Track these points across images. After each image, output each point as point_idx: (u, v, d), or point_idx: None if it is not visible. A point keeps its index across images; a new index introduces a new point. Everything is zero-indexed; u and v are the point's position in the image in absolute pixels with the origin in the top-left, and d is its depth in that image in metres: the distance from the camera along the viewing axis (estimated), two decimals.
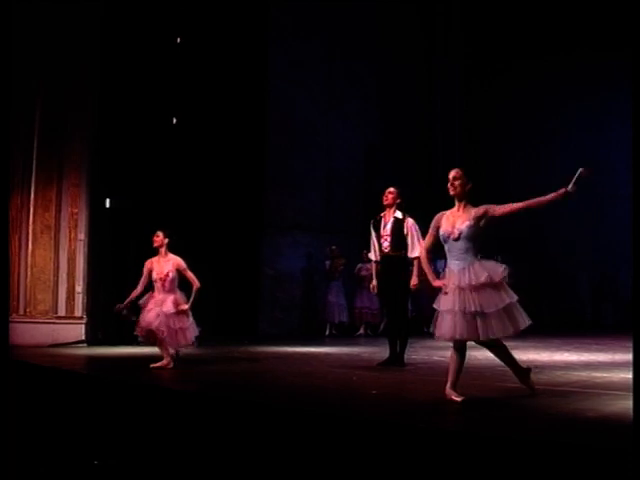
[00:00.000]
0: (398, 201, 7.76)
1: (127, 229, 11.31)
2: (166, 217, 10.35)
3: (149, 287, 7.80)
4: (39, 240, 10.71)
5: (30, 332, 10.22)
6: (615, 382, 6.29)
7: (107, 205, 11.50)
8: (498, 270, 5.07)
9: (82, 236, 10.82)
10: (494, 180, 11.97)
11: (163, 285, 7.65)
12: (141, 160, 11.58)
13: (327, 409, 5.18)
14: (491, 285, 5.01)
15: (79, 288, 10.76)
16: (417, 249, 7.33)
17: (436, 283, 5.21)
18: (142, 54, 11.56)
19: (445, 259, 5.31)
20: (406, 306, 8.08)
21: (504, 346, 5.29)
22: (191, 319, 7.72)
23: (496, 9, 15.75)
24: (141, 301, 7.72)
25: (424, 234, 5.64)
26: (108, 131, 11.22)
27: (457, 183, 5.20)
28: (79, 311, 10.76)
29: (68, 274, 10.74)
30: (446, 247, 5.21)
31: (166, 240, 7.77)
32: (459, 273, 5.08)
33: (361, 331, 13.73)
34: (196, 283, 7.70)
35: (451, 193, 5.23)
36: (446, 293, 5.09)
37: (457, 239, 5.12)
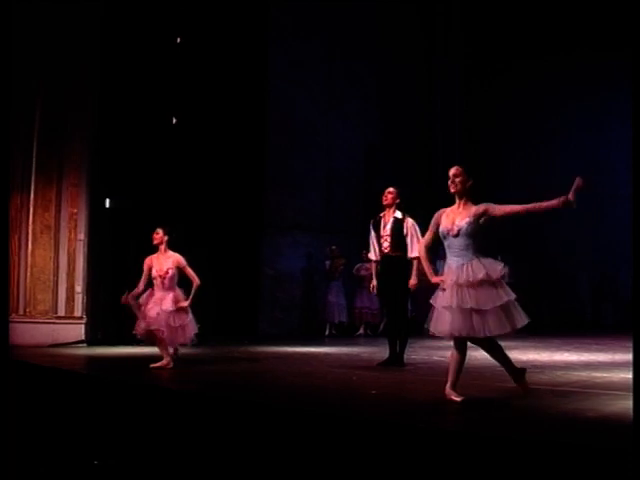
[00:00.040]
0: (397, 201, 7.77)
1: (127, 229, 11.31)
2: (166, 217, 10.34)
3: (149, 284, 7.79)
4: (39, 240, 10.71)
5: (30, 332, 10.22)
6: (615, 382, 6.28)
7: (107, 205, 11.50)
8: (496, 268, 5.08)
9: (82, 236, 10.82)
10: (494, 180, 11.98)
11: (163, 282, 7.64)
12: (141, 160, 11.58)
13: (327, 409, 5.18)
14: (489, 282, 5.01)
15: (79, 288, 10.76)
16: (417, 249, 7.32)
17: (434, 279, 5.21)
18: (142, 54, 11.56)
19: (445, 259, 5.31)
20: (406, 306, 8.08)
21: (499, 346, 5.28)
22: (190, 316, 7.70)
23: (496, 9, 15.75)
24: (140, 299, 7.72)
25: (424, 234, 5.64)
26: (108, 131, 11.22)
27: (458, 180, 5.21)
28: (79, 311, 10.76)
29: (68, 274, 10.74)
30: (446, 244, 5.21)
31: (166, 237, 7.76)
32: (457, 269, 5.09)
33: (361, 331, 13.73)
34: (196, 280, 7.68)
35: (452, 191, 5.24)
36: (444, 289, 5.10)
37: (456, 235, 5.13)
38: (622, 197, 13.45)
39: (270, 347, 10.20)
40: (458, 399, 5.07)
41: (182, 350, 8.18)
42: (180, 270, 7.73)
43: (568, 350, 9.60)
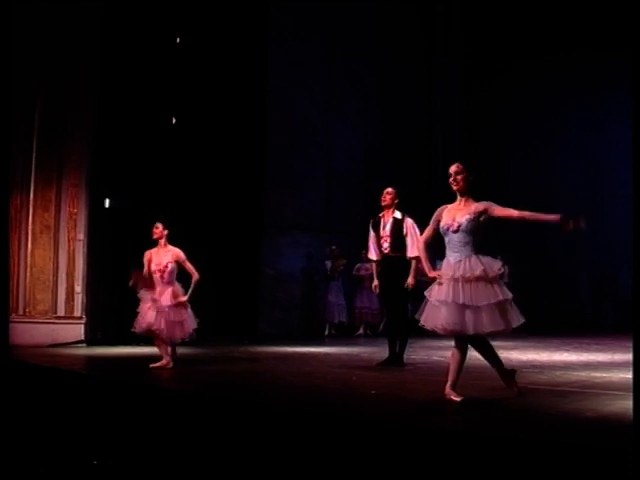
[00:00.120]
0: (396, 201, 7.77)
1: (126, 229, 11.30)
2: (166, 217, 10.33)
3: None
4: (38, 240, 10.71)
5: (29, 332, 10.21)
6: (614, 382, 6.29)
7: (106, 205, 11.49)
8: (494, 266, 5.09)
9: (81, 236, 10.82)
10: (494, 180, 11.98)
11: (162, 276, 7.62)
12: (141, 160, 11.57)
13: (327, 409, 5.18)
14: (485, 279, 5.01)
15: (78, 288, 10.75)
16: (415, 249, 7.33)
17: (432, 274, 5.23)
18: (142, 54, 11.55)
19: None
20: (406, 306, 8.07)
21: (490, 346, 5.29)
22: (189, 311, 7.68)
23: (496, 9, 15.75)
24: (140, 294, 7.71)
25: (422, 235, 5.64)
26: (108, 131, 11.21)
27: (459, 177, 5.22)
28: (78, 311, 10.75)
29: (67, 274, 10.74)
30: (446, 240, 5.23)
31: (165, 232, 7.76)
32: (455, 265, 5.10)
33: (360, 331, 13.73)
34: (195, 275, 7.66)
35: (454, 188, 5.24)
36: (441, 284, 5.10)
37: (456, 231, 5.14)
38: (622, 197, 13.46)
39: (270, 347, 10.20)
40: (458, 399, 5.07)
41: (182, 350, 8.17)
42: (179, 264, 7.72)
43: (567, 350, 9.60)
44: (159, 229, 7.75)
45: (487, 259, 5.12)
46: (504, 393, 5.37)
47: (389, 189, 7.80)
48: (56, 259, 10.73)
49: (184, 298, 7.60)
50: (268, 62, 13.55)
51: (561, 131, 16.96)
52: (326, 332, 13.59)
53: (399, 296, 7.70)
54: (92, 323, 10.88)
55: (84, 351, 10.05)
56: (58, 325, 10.62)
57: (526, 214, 5.09)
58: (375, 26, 15.11)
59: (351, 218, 14.00)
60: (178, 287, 7.67)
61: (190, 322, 7.68)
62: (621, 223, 13.08)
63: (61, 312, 10.71)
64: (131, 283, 7.76)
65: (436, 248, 5.49)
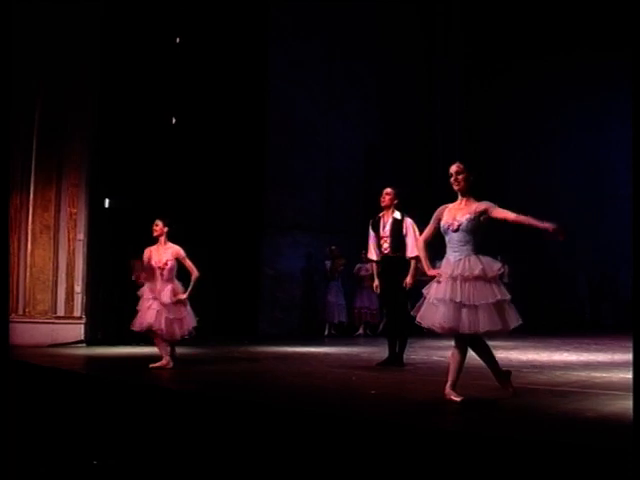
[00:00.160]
0: (396, 202, 7.76)
1: (126, 229, 11.29)
2: (166, 217, 10.33)
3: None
4: (38, 240, 10.71)
5: (29, 332, 10.21)
6: (614, 382, 6.29)
7: (106, 205, 11.49)
8: (494, 266, 5.10)
9: (81, 236, 10.81)
10: (494, 180, 11.98)
11: (161, 274, 7.62)
12: (140, 160, 11.57)
13: (327, 409, 5.18)
14: (484, 279, 5.02)
15: (78, 288, 10.75)
16: (415, 249, 7.32)
17: (431, 272, 5.23)
18: (142, 54, 11.56)
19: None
20: (406, 306, 8.07)
21: (487, 346, 5.29)
22: (189, 309, 7.67)
23: (496, 9, 15.75)
24: (139, 291, 7.71)
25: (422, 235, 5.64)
26: (108, 131, 11.21)
27: (460, 177, 5.22)
28: (78, 311, 10.75)
29: (67, 274, 10.74)
30: (446, 239, 5.23)
31: (165, 229, 7.76)
32: (454, 263, 5.11)
33: (360, 331, 13.73)
34: (195, 272, 7.64)
35: (455, 188, 5.24)
36: (439, 282, 5.11)
37: (456, 230, 5.14)
38: (622, 197, 13.45)
39: (270, 347, 10.20)
40: (458, 399, 5.07)
41: (182, 350, 8.17)
42: (179, 262, 7.71)
43: (567, 350, 9.60)
44: (159, 226, 7.74)
45: (487, 259, 5.12)
46: (502, 393, 5.37)
47: (388, 189, 7.80)
48: (56, 259, 10.73)
49: (184, 296, 7.59)
50: (268, 62, 13.55)
51: (561, 131, 16.96)
52: (326, 332, 13.59)
53: (399, 296, 7.70)
54: (92, 323, 10.88)
55: (84, 351, 10.04)
56: (58, 325, 10.62)
57: (522, 218, 5.08)
58: (375, 26, 15.10)
59: (351, 218, 13.99)
60: (178, 284, 7.67)
61: (189, 320, 7.67)
62: (621, 223, 13.08)
63: (61, 312, 10.71)
64: (134, 276, 7.75)
65: (436, 248, 5.50)
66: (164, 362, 7.53)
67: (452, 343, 5.23)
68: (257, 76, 13.24)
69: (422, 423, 4.62)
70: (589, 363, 8.03)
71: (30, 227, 10.71)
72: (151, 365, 7.51)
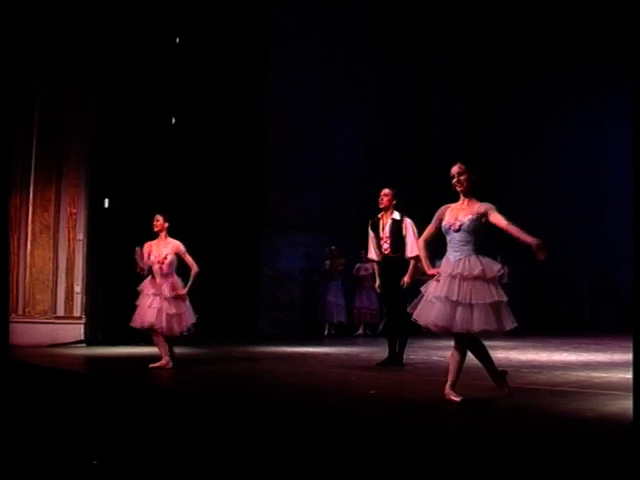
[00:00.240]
0: (394, 202, 7.75)
1: (126, 229, 11.29)
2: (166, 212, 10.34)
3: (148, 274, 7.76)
4: (38, 240, 10.71)
5: (29, 332, 10.21)
6: (614, 382, 6.29)
7: (106, 205, 11.48)
8: (493, 267, 5.11)
9: (81, 236, 10.81)
10: (494, 180, 11.98)
11: (161, 268, 7.62)
12: (140, 160, 11.57)
13: (326, 409, 5.18)
14: (483, 279, 5.02)
15: (78, 288, 10.75)
16: (415, 249, 7.33)
17: (430, 271, 5.24)
18: (141, 54, 11.55)
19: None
20: (406, 306, 8.07)
21: (483, 346, 5.29)
22: (188, 304, 7.65)
23: (496, 9, 15.75)
24: (139, 286, 7.70)
25: (422, 234, 5.64)
26: (107, 131, 11.21)
27: (463, 178, 5.22)
28: (78, 311, 10.75)
29: (67, 274, 10.74)
30: (447, 238, 5.24)
31: (166, 224, 7.76)
32: (454, 263, 5.12)
33: (360, 331, 13.73)
34: (195, 267, 7.63)
35: (458, 189, 5.24)
36: (438, 281, 5.11)
37: (457, 230, 5.15)
38: (622, 197, 13.45)
39: (269, 347, 10.20)
40: (457, 399, 5.07)
41: (182, 350, 8.16)
42: (179, 257, 7.71)
43: (567, 350, 9.60)
44: (160, 221, 7.75)
45: (487, 260, 5.13)
46: (499, 393, 5.37)
47: (386, 191, 7.78)
48: (55, 259, 10.73)
49: (183, 291, 7.59)
50: (268, 62, 13.54)
51: (561, 131, 16.96)
52: (325, 332, 13.59)
53: (399, 296, 7.69)
54: (92, 323, 10.88)
55: (84, 351, 10.04)
56: (57, 325, 10.62)
57: (511, 228, 5.08)
58: (375, 26, 15.10)
59: (350, 218, 13.99)
60: (177, 280, 7.66)
61: (188, 316, 7.65)
62: (621, 223, 13.08)
63: (60, 312, 10.71)
64: (138, 268, 7.70)
65: (437, 247, 5.50)
66: (164, 362, 7.53)
67: (452, 343, 5.23)
68: (257, 76, 13.23)
69: (422, 423, 4.62)
70: (588, 363, 8.03)
71: (30, 227, 10.71)
72: (151, 365, 7.51)
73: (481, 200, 5.23)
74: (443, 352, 8.06)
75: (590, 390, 5.85)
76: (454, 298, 4.99)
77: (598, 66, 16.30)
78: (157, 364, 7.50)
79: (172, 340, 7.72)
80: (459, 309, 4.98)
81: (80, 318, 10.75)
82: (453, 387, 5.14)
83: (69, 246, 10.77)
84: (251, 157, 13.14)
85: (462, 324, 4.96)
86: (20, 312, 10.58)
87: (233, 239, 12.65)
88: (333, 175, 14.71)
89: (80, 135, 10.94)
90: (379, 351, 8.64)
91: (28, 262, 10.64)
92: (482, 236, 5.18)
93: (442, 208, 5.34)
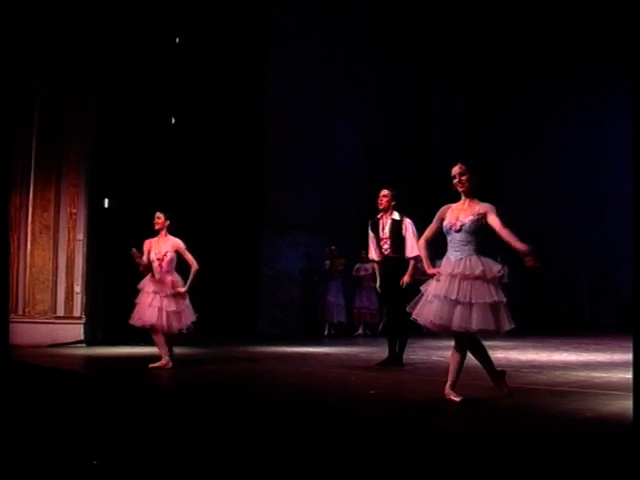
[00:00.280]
0: (393, 203, 7.75)
1: (126, 229, 11.28)
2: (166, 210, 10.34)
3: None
4: (38, 240, 10.71)
5: (29, 332, 10.21)
6: (614, 382, 6.29)
7: (106, 205, 11.48)
8: (494, 268, 5.11)
9: (81, 236, 10.81)
10: (494, 180, 11.97)
11: (160, 265, 7.61)
12: (140, 160, 11.56)
13: (326, 409, 5.19)
14: (483, 279, 5.03)
15: (78, 288, 10.75)
16: (415, 249, 7.33)
17: (430, 271, 5.25)
18: (141, 54, 11.55)
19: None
20: (406, 306, 8.06)
21: (482, 345, 5.30)
22: (187, 302, 7.65)
23: (496, 9, 15.75)
24: (139, 284, 7.70)
25: (422, 234, 5.64)
26: (107, 131, 11.21)
27: (464, 179, 5.22)
28: (78, 311, 10.75)
29: (67, 274, 10.73)
30: (448, 238, 5.25)
31: (167, 222, 7.76)
32: (455, 262, 5.13)
33: (360, 331, 13.73)
34: (195, 265, 7.62)
35: (460, 190, 5.24)
36: (438, 280, 5.11)
37: (458, 230, 5.16)
38: (622, 197, 13.45)
39: (269, 347, 10.20)
40: (457, 399, 5.07)
41: (182, 350, 8.16)
42: (179, 255, 7.71)
43: (567, 350, 9.60)
44: (161, 219, 7.75)
45: (488, 260, 5.13)
46: (498, 393, 5.37)
47: (385, 192, 7.78)
48: (55, 259, 10.73)
49: (183, 288, 7.59)
50: (268, 62, 13.54)
51: (561, 131, 16.97)
52: (325, 332, 13.59)
53: (399, 296, 7.69)
54: (91, 323, 10.88)
55: (83, 351, 10.04)
56: (57, 325, 10.61)
57: (504, 232, 5.07)
58: (375, 26, 15.10)
59: (350, 218, 13.99)
60: (177, 277, 7.66)
61: (188, 314, 7.65)
62: (621, 223, 13.09)
63: (60, 312, 10.71)
64: (141, 265, 7.69)
65: (437, 247, 5.50)
66: (163, 362, 7.53)
67: (452, 343, 5.23)
68: (257, 76, 13.23)
69: (422, 423, 4.63)
70: (588, 363, 8.03)
71: (30, 227, 10.71)
72: (151, 365, 7.51)
73: (482, 200, 5.23)
74: (443, 352, 8.06)
75: (590, 390, 5.85)
76: (453, 297, 4.99)
77: (598, 66, 16.31)
78: (157, 364, 7.50)
79: (172, 340, 7.72)
80: (458, 308, 4.99)
81: (80, 318, 10.75)
82: (453, 387, 5.14)
83: (69, 246, 10.77)
84: (251, 157, 13.14)
85: (461, 323, 4.97)
86: (20, 312, 10.58)
87: (233, 239, 12.64)
88: (333, 175, 14.70)
89: (80, 135, 10.94)
90: (379, 351, 8.64)
91: (28, 262, 10.64)
92: (483, 236, 5.19)
93: (443, 208, 5.34)
